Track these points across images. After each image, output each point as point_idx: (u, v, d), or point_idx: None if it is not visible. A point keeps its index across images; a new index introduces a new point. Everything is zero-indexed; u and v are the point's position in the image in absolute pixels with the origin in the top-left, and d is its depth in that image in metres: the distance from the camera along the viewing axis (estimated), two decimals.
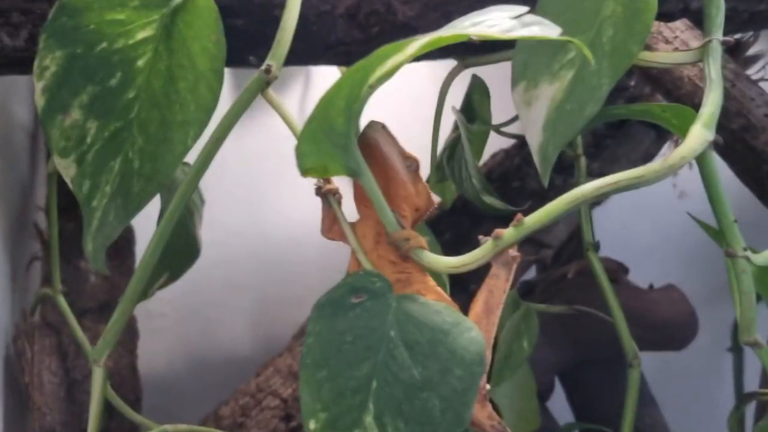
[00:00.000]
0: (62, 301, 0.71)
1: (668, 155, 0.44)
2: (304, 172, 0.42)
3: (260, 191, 1.07)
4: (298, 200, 1.03)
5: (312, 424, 0.41)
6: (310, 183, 1.12)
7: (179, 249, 0.74)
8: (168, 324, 1.04)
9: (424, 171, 0.72)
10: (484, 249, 0.45)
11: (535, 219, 0.44)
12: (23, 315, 0.78)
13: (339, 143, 0.43)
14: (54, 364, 0.75)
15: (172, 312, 1.05)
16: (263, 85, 0.46)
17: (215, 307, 1.06)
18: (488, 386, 0.46)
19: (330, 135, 0.42)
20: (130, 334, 0.84)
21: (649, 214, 1.14)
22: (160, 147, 0.47)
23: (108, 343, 0.48)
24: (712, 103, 0.46)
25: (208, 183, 0.90)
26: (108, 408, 0.75)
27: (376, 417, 0.41)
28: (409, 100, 0.98)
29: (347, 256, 0.49)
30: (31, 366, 0.75)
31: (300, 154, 0.41)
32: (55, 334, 0.77)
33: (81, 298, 0.80)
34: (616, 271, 0.88)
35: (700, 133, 0.45)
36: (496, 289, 0.46)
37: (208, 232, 0.87)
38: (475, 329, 0.43)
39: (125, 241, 0.86)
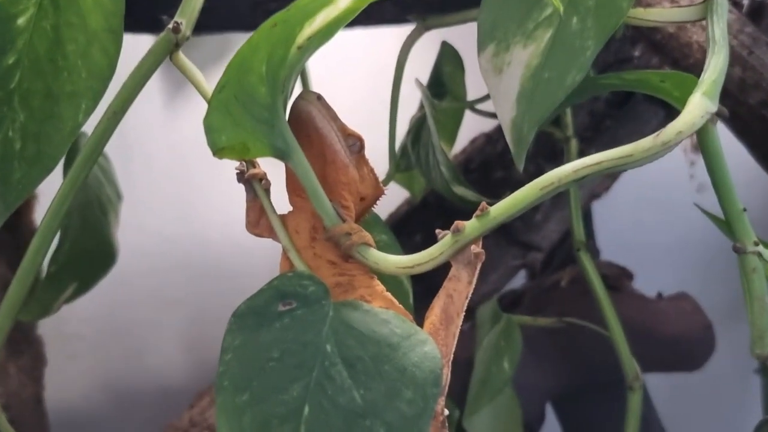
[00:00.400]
0: None
1: (662, 130, 0.43)
2: (217, 152, 0.41)
3: (194, 186, 1.06)
4: (242, 197, 1.02)
5: None
6: None
7: (90, 253, 0.74)
8: (86, 347, 1.04)
9: (382, 157, 0.72)
10: (442, 245, 0.45)
11: (502, 208, 0.44)
12: None
13: (262, 117, 0.42)
14: None
15: (91, 333, 1.04)
16: (172, 47, 0.45)
17: (143, 327, 1.05)
18: (446, 411, 0.45)
19: (249, 107, 0.41)
20: (34, 359, 0.83)
21: (663, 211, 1.14)
22: (45, 124, 0.46)
23: None
24: (714, 68, 0.45)
25: (132, 177, 0.89)
26: None
27: None
28: (370, 74, 0.98)
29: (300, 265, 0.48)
30: None
31: (209, 129, 0.40)
32: None
33: None
34: (619, 277, 0.88)
35: (700, 104, 0.44)
36: (457, 293, 0.45)
37: (132, 236, 0.86)
38: (430, 342, 0.42)
39: (27, 245, 0.85)
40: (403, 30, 0.68)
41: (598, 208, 0.99)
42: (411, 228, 0.87)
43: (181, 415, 0.89)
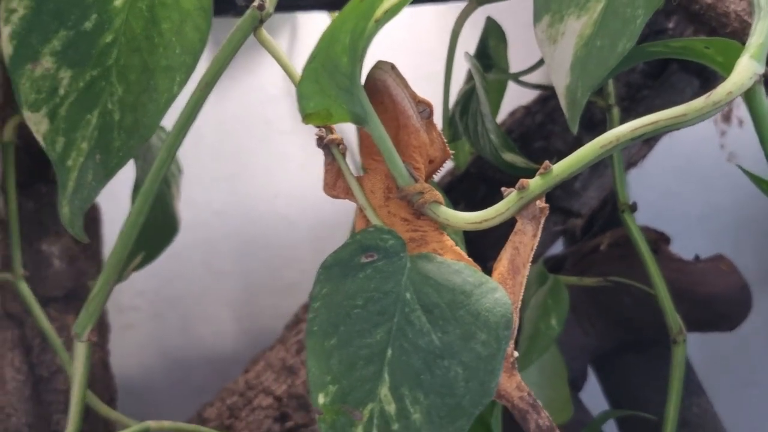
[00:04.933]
0: (25, 288, 0.71)
1: (713, 91, 0.46)
2: (306, 117, 0.45)
3: (243, 162, 1.09)
4: (287, 172, 1.06)
5: (321, 398, 0.43)
6: (300, 152, 1.14)
7: (156, 224, 0.77)
8: (141, 318, 1.07)
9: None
10: (508, 201, 0.47)
11: (564, 166, 0.46)
12: None
13: (343, 85, 0.45)
14: (17, 359, 0.77)
15: (146, 305, 1.07)
16: (256, 24, 0.48)
17: (195, 298, 1.09)
18: (516, 353, 0.48)
19: (334, 75, 0.44)
20: (99, 326, 0.86)
21: (695, 181, 1.16)
22: (142, 96, 0.49)
23: (91, 316, 0.50)
24: (761, 32, 0.48)
25: (182, 153, 0.92)
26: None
27: (393, 388, 0.43)
28: (414, 54, 1.01)
29: (345, 236, 0.51)
30: None
31: (301, 95, 0.43)
32: (18, 325, 0.78)
33: (44, 285, 0.82)
34: (656, 241, 0.90)
35: (748, 66, 0.47)
36: (523, 245, 0.48)
37: (184, 211, 0.89)
38: (500, 290, 0.45)
39: (91, 221, 0.89)
40: (441, 9, 0.69)
41: (635, 179, 1.01)
42: (455, 196, 0.90)
43: (236, 380, 0.93)
